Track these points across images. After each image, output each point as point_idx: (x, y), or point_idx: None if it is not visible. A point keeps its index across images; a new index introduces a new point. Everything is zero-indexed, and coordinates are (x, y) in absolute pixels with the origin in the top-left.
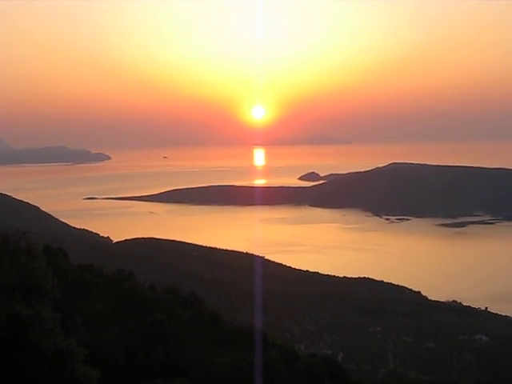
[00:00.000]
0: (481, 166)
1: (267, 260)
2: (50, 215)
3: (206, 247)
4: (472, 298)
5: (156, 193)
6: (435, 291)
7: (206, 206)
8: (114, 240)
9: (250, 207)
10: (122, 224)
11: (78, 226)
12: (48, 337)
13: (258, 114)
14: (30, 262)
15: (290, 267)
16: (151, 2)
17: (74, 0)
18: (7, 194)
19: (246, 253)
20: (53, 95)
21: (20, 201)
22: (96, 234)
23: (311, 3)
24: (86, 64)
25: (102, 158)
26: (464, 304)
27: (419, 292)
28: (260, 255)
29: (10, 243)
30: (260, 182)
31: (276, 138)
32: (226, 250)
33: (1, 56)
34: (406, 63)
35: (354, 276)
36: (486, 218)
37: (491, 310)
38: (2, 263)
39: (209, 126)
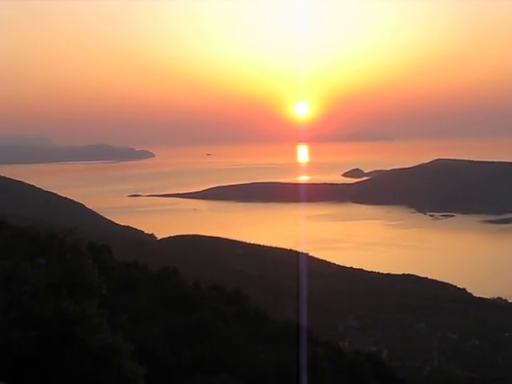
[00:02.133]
0: None
1: (311, 257)
2: (94, 212)
3: (250, 244)
4: None
5: (200, 190)
6: (480, 288)
7: (250, 203)
8: (159, 237)
9: (294, 204)
10: (166, 221)
11: (123, 223)
12: (94, 333)
13: (302, 110)
14: (75, 259)
15: (334, 264)
16: (192, 0)
17: (116, 1)
18: (52, 192)
19: (291, 249)
20: (96, 94)
21: (65, 198)
22: (140, 231)
23: (352, 0)
24: (128, 63)
25: (145, 155)
26: (509, 301)
27: (464, 289)
28: (304, 252)
29: (57, 240)
30: (304, 178)
31: (320, 134)
32: (271, 247)
33: (45, 56)
34: (446, 59)
35: (398, 273)
36: None
37: None
38: (49, 260)
39: (252, 123)
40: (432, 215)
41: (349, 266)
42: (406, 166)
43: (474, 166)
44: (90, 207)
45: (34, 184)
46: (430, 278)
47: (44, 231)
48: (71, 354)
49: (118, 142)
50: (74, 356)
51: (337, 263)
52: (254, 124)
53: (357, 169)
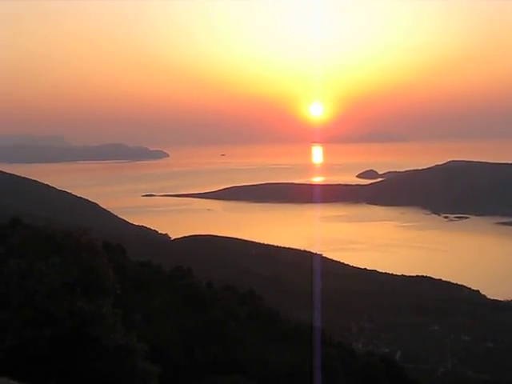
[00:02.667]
0: None
1: (325, 258)
2: (108, 212)
3: (263, 244)
4: None
5: (214, 190)
6: (494, 290)
7: (264, 204)
8: (172, 237)
9: (308, 205)
10: (180, 221)
11: (137, 223)
12: (108, 332)
13: (316, 111)
14: (91, 258)
15: (348, 265)
16: (205, 1)
17: (130, 0)
18: (67, 191)
19: (305, 250)
20: (110, 93)
21: (80, 198)
22: (154, 230)
23: (366, 1)
24: (142, 63)
25: (160, 155)
26: None
27: (478, 291)
28: (318, 253)
29: (72, 239)
30: (318, 179)
31: (334, 135)
32: (285, 248)
33: (59, 55)
34: (461, 60)
35: (412, 274)
36: None
37: None
38: (64, 259)
39: (266, 124)
40: (446, 217)
41: (363, 267)
42: (420, 168)
43: (488, 167)
44: (104, 207)
45: (48, 183)
46: (444, 279)
47: (60, 231)
48: (85, 354)
49: (133, 141)
50: (89, 355)
51: (351, 264)
52: (269, 124)
53: (371, 170)
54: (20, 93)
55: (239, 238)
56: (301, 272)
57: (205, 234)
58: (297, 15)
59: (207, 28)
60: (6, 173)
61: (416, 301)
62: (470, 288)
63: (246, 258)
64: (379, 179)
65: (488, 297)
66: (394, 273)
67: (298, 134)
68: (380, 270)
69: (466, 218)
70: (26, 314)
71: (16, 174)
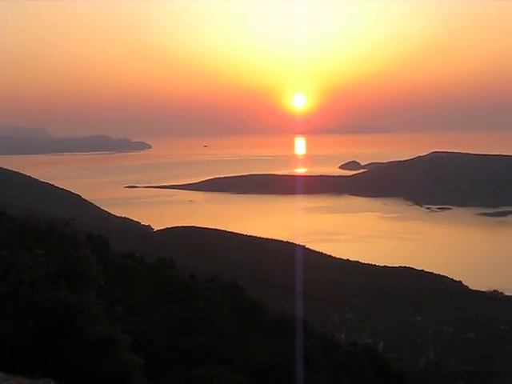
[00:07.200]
0: None
1: (308, 249)
2: (91, 203)
3: (246, 236)
4: None
5: (196, 181)
6: (476, 281)
7: (247, 195)
8: (155, 228)
9: (291, 196)
10: (162, 212)
11: (119, 215)
12: (92, 323)
13: (299, 102)
14: (74, 249)
15: (331, 256)
16: None
17: None
18: (49, 183)
19: (287, 241)
20: (93, 85)
21: (62, 189)
22: (137, 222)
23: None
24: (124, 54)
25: (142, 146)
26: (506, 294)
27: (460, 281)
28: (301, 244)
29: (56, 230)
30: (300, 170)
31: (316, 126)
32: (267, 239)
33: (42, 47)
34: (444, 49)
35: (394, 265)
36: None
37: None
38: (48, 250)
39: (249, 115)
40: (429, 208)
41: (345, 258)
42: (403, 159)
43: (470, 158)
44: (86, 198)
45: (31, 175)
46: (426, 270)
47: (43, 221)
48: (70, 344)
49: (115, 133)
50: (73, 346)
51: (333, 255)
52: (251, 115)
53: (354, 161)
54: (3, 84)
55: (222, 229)
56: (283, 263)
57: (187, 225)
58: (279, 6)
59: (188, 19)
60: None
61: (398, 291)
62: (452, 279)
63: (228, 249)
64: (362, 170)
65: (470, 287)
66: (377, 264)
67: (281, 125)
68: (362, 261)
69: (449, 209)
70: (10, 304)
71: None
